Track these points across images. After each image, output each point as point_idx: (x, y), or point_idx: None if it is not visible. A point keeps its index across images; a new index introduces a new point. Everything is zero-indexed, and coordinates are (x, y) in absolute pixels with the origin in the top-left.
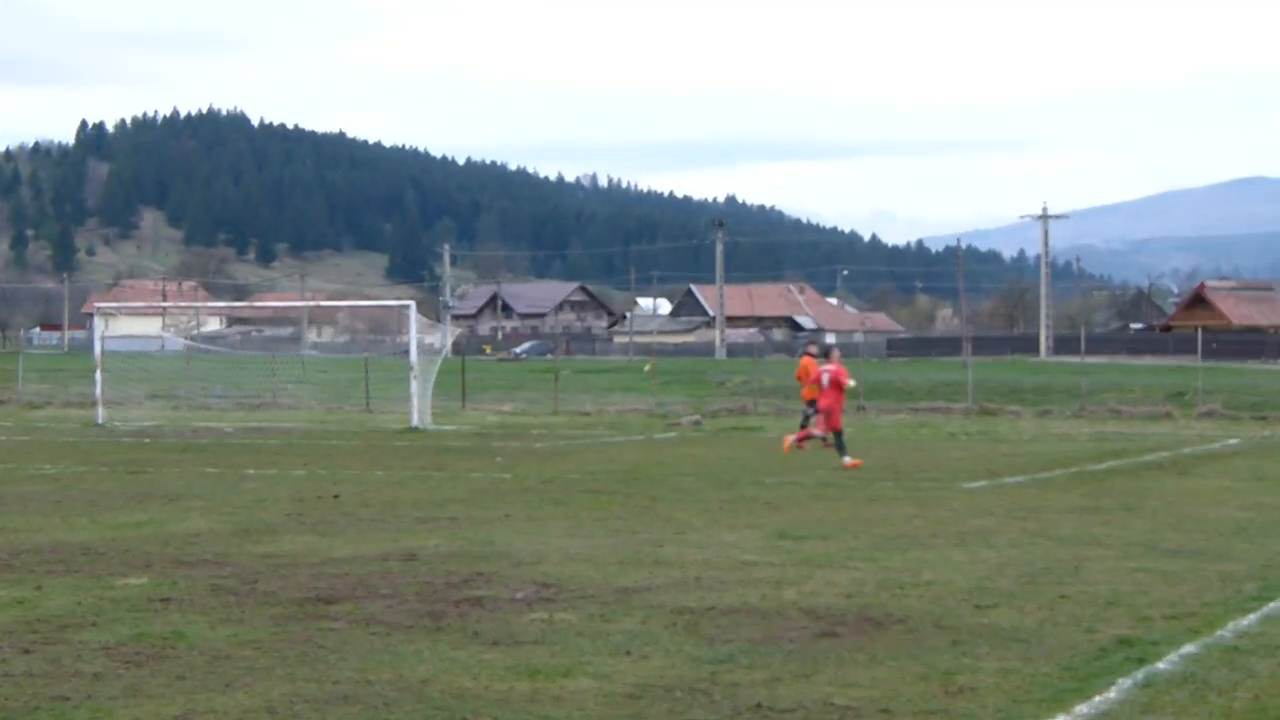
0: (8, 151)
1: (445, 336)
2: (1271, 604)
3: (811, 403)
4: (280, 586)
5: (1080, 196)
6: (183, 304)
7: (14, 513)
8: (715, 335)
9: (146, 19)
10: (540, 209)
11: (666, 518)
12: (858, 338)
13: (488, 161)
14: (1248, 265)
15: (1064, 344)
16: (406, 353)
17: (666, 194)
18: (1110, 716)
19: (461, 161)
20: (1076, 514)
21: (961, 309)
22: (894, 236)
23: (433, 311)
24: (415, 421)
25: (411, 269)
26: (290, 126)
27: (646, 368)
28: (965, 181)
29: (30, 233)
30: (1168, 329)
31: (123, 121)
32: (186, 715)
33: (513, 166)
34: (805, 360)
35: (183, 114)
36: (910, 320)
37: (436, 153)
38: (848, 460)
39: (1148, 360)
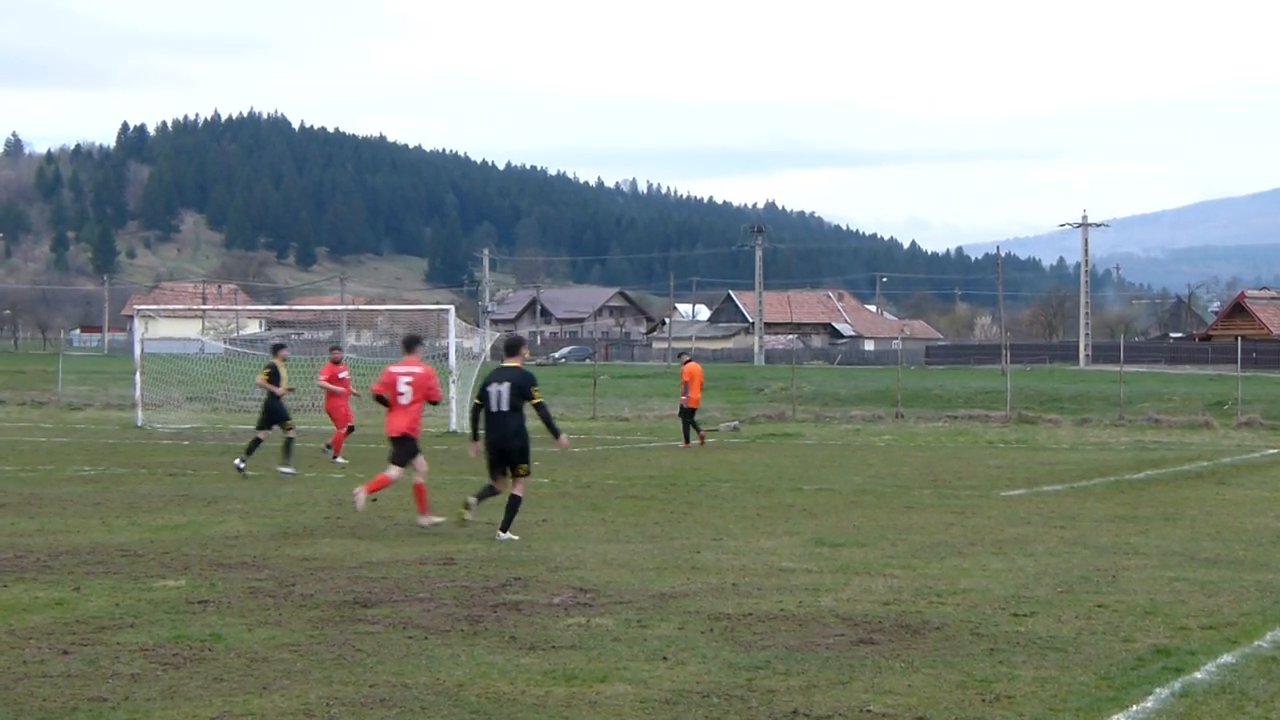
0: (49, 154)
1: (484, 341)
2: None
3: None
4: (318, 589)
5: (1120, 205)
6: (222, 307)
7: (53, 514)
8: (754, 341)
9: (187, 23)
10: (580, 214)
11: (704, 524)
12: (896, 345)
13: (527, 166)
14: None
15: (1103, 352)
16: (445, 357)
17: (706, 200)
18: None
19: (501, 166)
20: (1114, 523)
21: (1000, 317)
22: (930, 244)
23: (472, 316)
24: (453, 425)
25: (451, 273)
26: (331, 130)
27: None
28: (1000, 189)
29: (71, 235)
30: (1207, 338)
31: (164, 124)
32: (223, 717)
33: (552, 171)
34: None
35: (223, 117)
36: (949, 328)
37: (476, 157)
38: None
39: (1187, 369)
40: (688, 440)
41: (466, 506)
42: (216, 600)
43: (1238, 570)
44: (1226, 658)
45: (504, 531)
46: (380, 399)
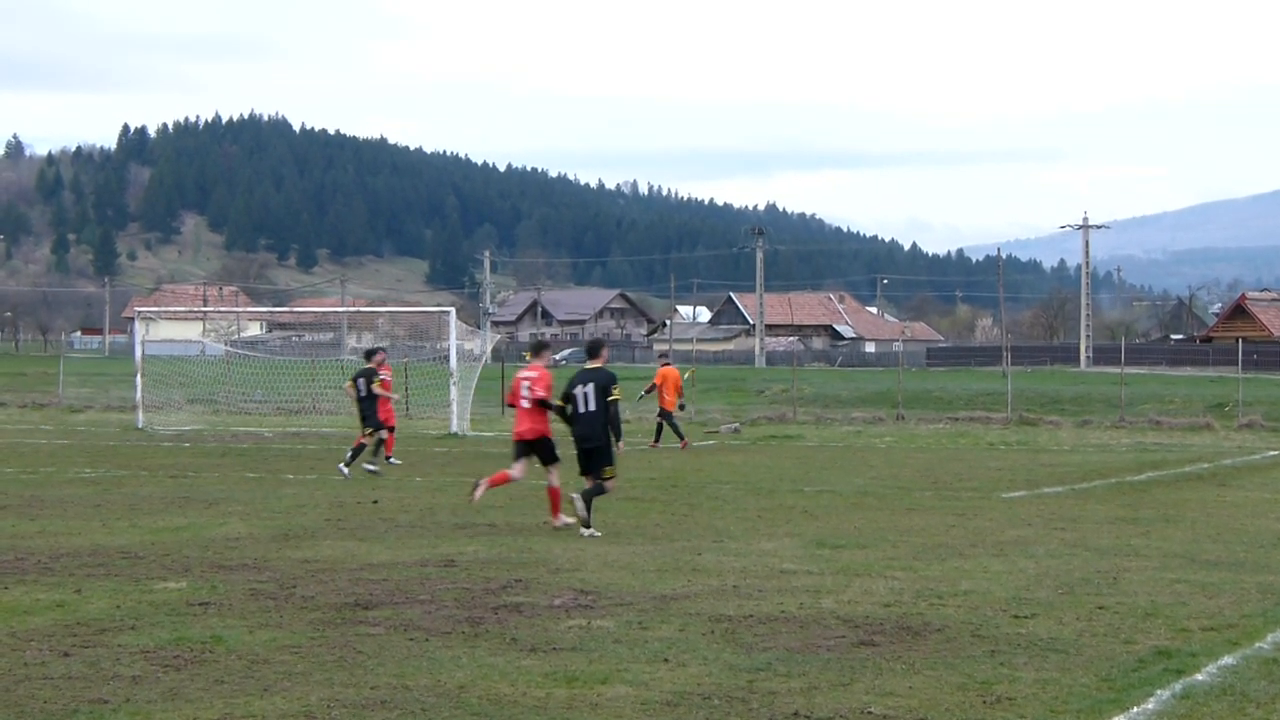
0: (50, 156)
1: (485, 343)
2: None
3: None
4: (319, 591)
5: (1121, 207)
6: (223, 309)
7: (54, 516)
8: (755, 343)
9: (187, 25)
10: (581, 216)
11: (705, 525)
12: (897, 347)
13: (528, 168)
14: None
15: (1104, 354)
16: (446, 359)
17: (706, 202)
18: None
19: (502, 168)
20: (1115, 525)
21: (1001, 319)
22: (931, 245)
23: (473, 318)
24: (455, 428)
25: (452, 275)
26: (332, 132)
27: (686, 375)
28: (1001, 191)
29: (72, 237)
30: (1208, 340)
31: (164, 126)
32: (224, 719)
33: (553, 173)
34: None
35: (224, 119)
36: (950, 330)
37: (477, 159)
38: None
39: (1188, 371)
40: (682, 438)
41: (571, 502)
42: (217, 602)
43: (1239, 572)
44: (1228, 659)
45: (587, 527)
46: (565, 411)
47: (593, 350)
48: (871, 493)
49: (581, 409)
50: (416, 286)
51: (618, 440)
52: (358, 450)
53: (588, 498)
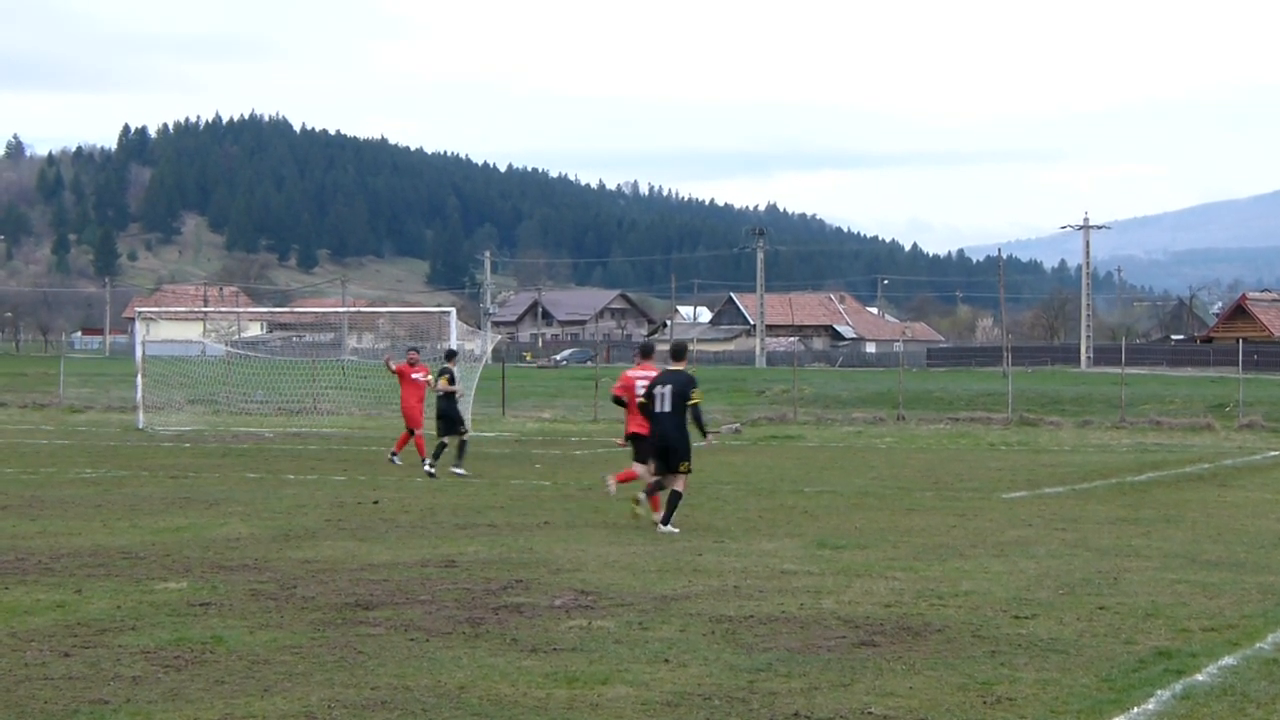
0: (50, 156)
1: (486, 343)
2: None
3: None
4: (319, 592)
5: (1121, 207)
6: (224, 309)
7: (55, 516)
8: (755, 344)
9: (188, 25)
10: (581, 216)
11: (705, 526)
12: (898, 347)
13: (529, 168)
14: None
15: (1104, 355)
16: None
17: (707, 202)
18: None
19: (503, 168)
20: (1116, 525)
21: (1002, 319)
22: (931, 246)
23: (473, 318)
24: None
25: (452, 275)
26: (332, 132)
27: None
28: (1002, 191)
29: (72, 237)
30: (1208, 340)
31: (165, 127)
32: (225, 719)
33: (554, 174)
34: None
35: (225, 119)
36: (951, 330)
37: (478, 159)
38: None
39: (1188, 371)
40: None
41: (637, 502)
42: (218, 603)
43: (1239, 572)
44: (1228, 660)
45: (665, 525)
46: (618, 401)
47: (676, 353)
48: (872, 493)
49: (658, 408)
50: (417, 287)
51: (704, 436)
52: (439, 450)
53: (671, 502)
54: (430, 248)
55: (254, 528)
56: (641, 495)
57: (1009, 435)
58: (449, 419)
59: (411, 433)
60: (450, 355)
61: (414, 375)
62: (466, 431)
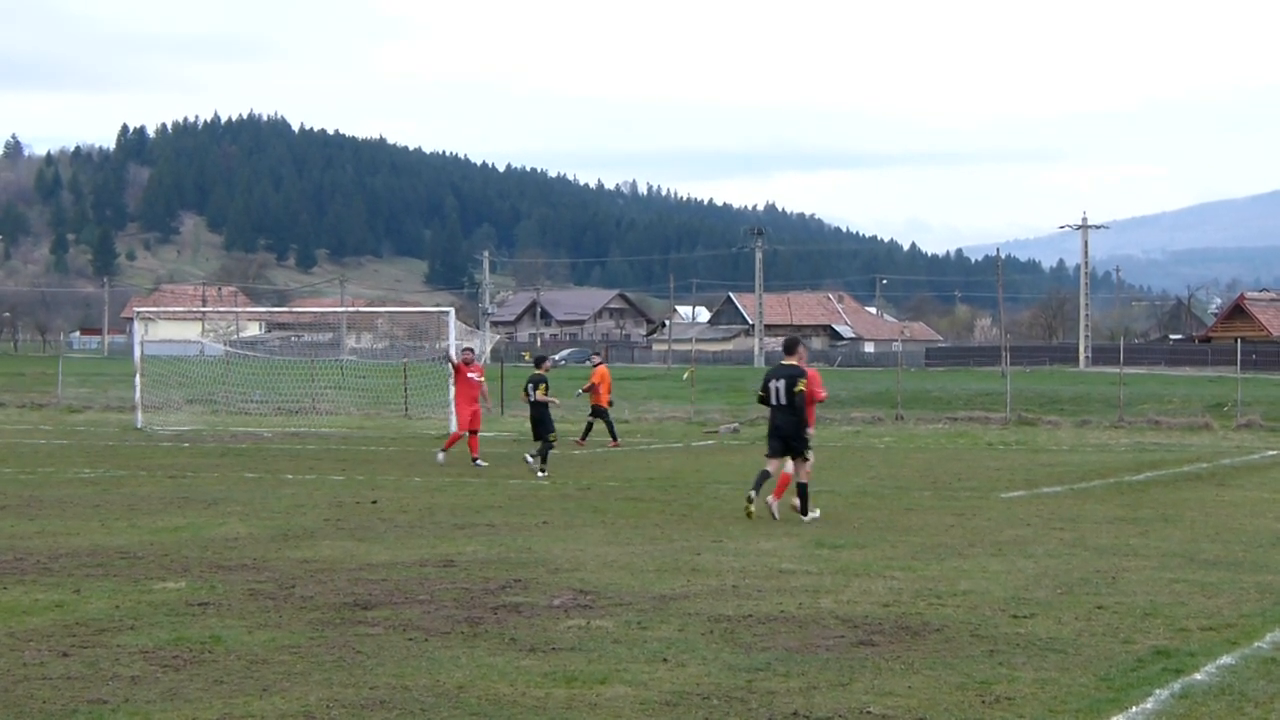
0: (49, 156)
1: (484, 343)
2: None
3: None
4: (318, 592)
5: (1119, 207)
6: (222, 309)
7: (53, 516)
8: (754, 343)
9: (186, 25)
10: (580, 216)
11: (704, 525)
12: (896, 347)
13: (527, 168)
14: None
15: (1103, 354)
16: (446, 359)
17: (705, 202)
18: None
19: (501, 168)
20: (1114, 524)
21: (1000, 319)
22: (930, 245)
23: (472, 318)
24: (454, 428)
25: (451, 275)
26: (330, 132)
27: (685, 375)
28: (1000, 191)
29: (71, 237)
30: (1206, 340)
31: (163, 126)
32: (223, 719)
33: (552, 173)
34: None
35: (223, 119)
36: (949, 330)
37: (476, 159)
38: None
39: (1186, 371)
40: (615, 437)
41: (749, 500)
42: (216, 602)
43: (1237, 572)
44: (1226, 659)
45: (806, 514)
46: (765, 400)
47: (789, 348)
48: (870, 492)
49: (773, 401)
50: (415, 287)
51: (808, 424)
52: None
53: (759, 483)
54: (429, 247)
55: (252, 527)
56: (751, 492)
57: (1007, 435)
58: (543, 423)
59: (471, 432)
60: (540, 362)
61: (469, 375)
62: (555, 437)
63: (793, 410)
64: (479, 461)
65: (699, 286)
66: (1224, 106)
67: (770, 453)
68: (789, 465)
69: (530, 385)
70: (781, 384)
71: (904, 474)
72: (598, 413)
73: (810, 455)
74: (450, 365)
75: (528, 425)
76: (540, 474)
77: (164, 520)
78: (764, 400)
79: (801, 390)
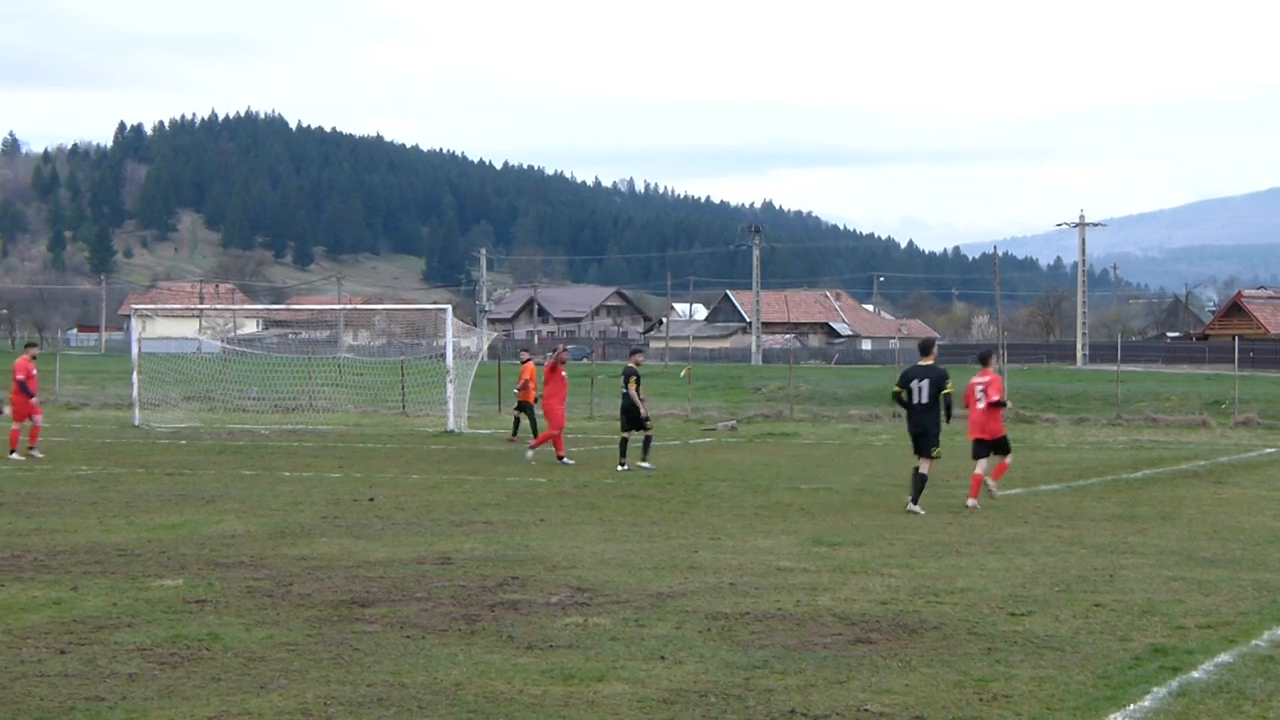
0: (46, 154)
1: (481, 340)
2: None
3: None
4: (315, 589)
5: (1117, 205)
6: (220, 306)
7: (51, 513)
8: (751, 341)
9: (184, 23)
10: (577, 214)
11: (701, 523)
12: (894, 344)
13: (525, 166)
14: None
15: (1100, 352)
16: (443, 356)
17: (703, 199)
18: None
19: (499, 166)
20: (1112, 522)
21: (998, 316)
22: (927, 243)
23: (469, 315)
24: (451, 425)
25: (448, 273)
26: (328, 129)
27: (683, 373)
28: (998, 189)
29: (68, 235)
30: (1204, 337)
31: (161, 124)
32: (221, 717)
33: (550, 171)
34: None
35: (221, 117)
36: (946, 327)
37: (473, 157)
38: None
39: (1184, 369)
40: (536, 434)
41: (910, 511)
42: (214, 600)
43: (1235, 569)
44: (1224, 657)
45: (914, 504)
46: (902, 399)
47: (925, 349)
48: (868, 490)
49: (915, 400)
50: (413, 284)
51: (947, 421)
52: (622, 446)
53: (918, 485)
54: (426, 245)
55: (250, 525)
56: (915, 508)
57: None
58: (633, 415)
59: (559, 432)
60: (634, 353)
61: (563, 374)
62: (651, 426)
63: (934, 409)
64: (566, 460)
65: (696, 284)
66: (1222, 104)
67: (918, 452)
68: (983, 464)
69: (623, 378)
70: (925, 384)
71: (901, 471)
72: (525, 408)
73: (1009, 459)
74: (545, 365)
75: (524, 423)
76: (645, 465)
77: (161, 518)
78: (901, 399)
79: (949, 392)
